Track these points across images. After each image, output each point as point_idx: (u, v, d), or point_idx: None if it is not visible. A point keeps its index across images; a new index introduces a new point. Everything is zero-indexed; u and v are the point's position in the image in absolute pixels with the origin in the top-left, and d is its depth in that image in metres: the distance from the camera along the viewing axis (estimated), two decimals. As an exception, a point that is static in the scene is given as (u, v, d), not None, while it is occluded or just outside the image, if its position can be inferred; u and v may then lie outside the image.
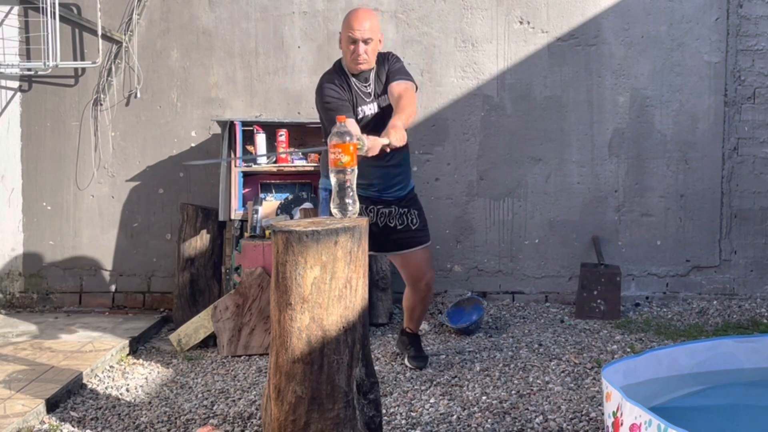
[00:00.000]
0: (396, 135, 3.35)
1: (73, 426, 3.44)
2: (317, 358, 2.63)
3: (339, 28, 5.35)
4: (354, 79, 3.69)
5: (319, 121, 4.99)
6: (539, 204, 5.43)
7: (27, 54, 5.37)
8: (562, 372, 3.97)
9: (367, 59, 3.62)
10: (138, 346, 4.68)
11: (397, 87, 3.61)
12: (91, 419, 3.52)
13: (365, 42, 3.57)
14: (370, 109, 3.70)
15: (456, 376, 3.95)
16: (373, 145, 3.22)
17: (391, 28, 5.37)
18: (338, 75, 3.70)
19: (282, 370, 2.65)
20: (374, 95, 3.72)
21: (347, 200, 2.87)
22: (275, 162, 5.12)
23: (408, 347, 4.20)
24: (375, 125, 3.63)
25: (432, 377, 3.94)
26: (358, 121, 3.64)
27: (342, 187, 2.86)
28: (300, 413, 2.63)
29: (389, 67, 3.72)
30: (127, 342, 4.56)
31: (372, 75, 3.72)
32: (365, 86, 3.70)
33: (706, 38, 5.31)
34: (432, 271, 4.04)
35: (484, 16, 5.37)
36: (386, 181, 3.78)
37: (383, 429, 3.01)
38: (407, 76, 3.70)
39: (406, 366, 4.14)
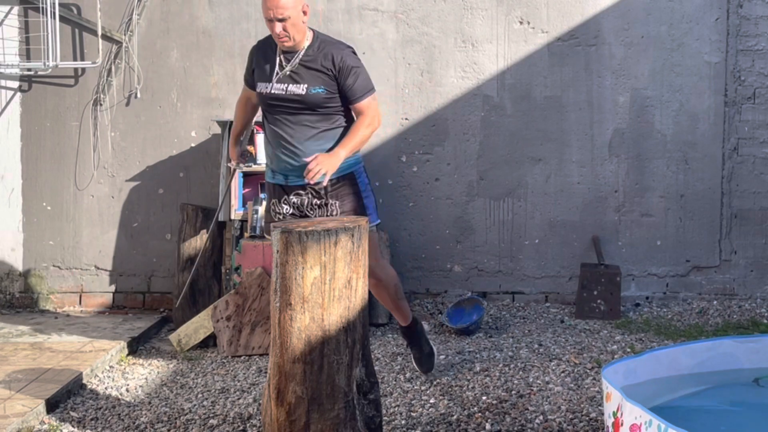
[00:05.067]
0: (329, 160, 3.40)
1: (72, 426, 3.44)
2: (317, 359, 2.63)
3: (339, 29, 5.37)
4: (283, 55, 3.57)
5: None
6: (539, 204, 5.42)
7: (27, 54, 5.37)
8: (562, 372, 3.97)
9: (288, 36, 3.49)
10: (138, 346, 4.68)
11: (355, 111, 3.58)
12: (91, 419, 3.52)
13: (280, 20, 3.44)
14: (270, 88, 3.56)
15: (456, 376, 3.95)
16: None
17: (391, 28, 5.37)
18: (272, 42, 3.61)
19: (282, 370, 2.65)
20: (291, 78, 3.54)
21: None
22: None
23: (410, 348, 3.97)
24: (281, 108, 3.56)
25: (432, 377, 3.94)
26: (259, 95, 3.61)
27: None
28: (300, 414, 2.63)
29: (343, 79, 3.53)
30: (127, 342, 4.56)
31: (300, 56, 3.55)
32: (286, 64, 3.56)
33: (706, 38, 5.31)
34: (375, 261, 3.61)
35: (484, 16, 5.37)
36: (279, 163, 3.61)
37: (383, 429, 3.00)
38: (364, 92, 3.57)
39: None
